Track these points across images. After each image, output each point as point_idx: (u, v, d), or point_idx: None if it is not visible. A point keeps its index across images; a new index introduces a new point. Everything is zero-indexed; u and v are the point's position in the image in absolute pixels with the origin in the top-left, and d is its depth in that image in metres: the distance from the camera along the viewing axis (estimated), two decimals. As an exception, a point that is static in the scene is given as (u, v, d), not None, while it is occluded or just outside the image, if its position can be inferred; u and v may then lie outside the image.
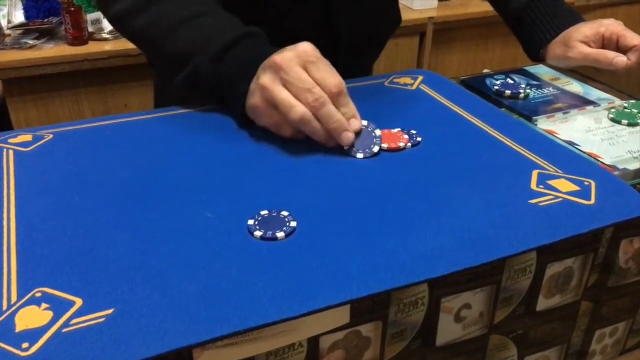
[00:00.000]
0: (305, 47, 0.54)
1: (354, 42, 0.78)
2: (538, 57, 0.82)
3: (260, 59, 0.56)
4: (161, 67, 0.66)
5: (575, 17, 0.79)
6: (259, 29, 0.61)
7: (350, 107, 0.54)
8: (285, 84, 0.53)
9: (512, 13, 0.84)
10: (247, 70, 0.57)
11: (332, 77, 0.53)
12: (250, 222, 0.44)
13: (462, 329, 0.48)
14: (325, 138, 0.53)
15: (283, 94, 0.52)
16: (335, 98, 0.53)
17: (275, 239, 0.42)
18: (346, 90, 0.54)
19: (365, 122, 0.55)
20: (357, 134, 0.54)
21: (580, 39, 0.75)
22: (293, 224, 0.44)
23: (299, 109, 0.52)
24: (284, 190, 0.48)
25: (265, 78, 0.54)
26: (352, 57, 0.80)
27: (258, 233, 0.42)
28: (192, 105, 0.64)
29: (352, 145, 0.53)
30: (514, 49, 2.20)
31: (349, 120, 0.53)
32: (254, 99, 0.55)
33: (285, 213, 0.44)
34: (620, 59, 0.72)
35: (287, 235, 0.43)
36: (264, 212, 0.45)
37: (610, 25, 0.76)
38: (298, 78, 0.52)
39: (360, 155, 0.53)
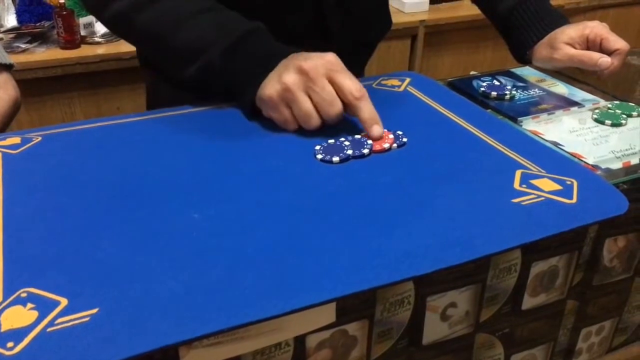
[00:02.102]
0: (331, 58, 0.57)
1: (345, 44, 0.79)
2: (524, 59, 0.83)
3: (277, 54, 0.59)
4: (165, 62, 0.67)
5: (561, 19, 0.80)
6: (263, 25, 0.63)
7: (371, 113, 0.57)
8: (309, 91, 0.56)
9: (499, 16, 0.84)
10: (265, 63, 0.59)
11: (354, 84, 0.56)
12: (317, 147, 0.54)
13: (448, 328, 0.49)
14: None
15: (307, 105, 0.56)
16: (356, 102, 0.56)
17: (331, 162, 0.52)
18: (367, 96, 0.57)
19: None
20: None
21: (566, 40, 0.76)
22: (349, 151, 0.53)
23: (315, 122, 0.57)
24: (271, 190, 0.48)
25: (289, 78, 0.56)
26: (344, 59, 0.80)
27: (319, 156, 0.53)
28: (181, 108, 0.64)
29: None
30: (505, 51, 2.20)
31: (371, 127, 0.56)
32: (271, 91, 0.58)
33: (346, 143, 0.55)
34: (605, 60, 0.72)
35: (341, 161, 0.52)
36: (331, 141, 0.55)
37: (595, 28, 0.76)
38: (322, 89, 0.56)
39: (336, 159, 0.53)
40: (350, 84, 0.56)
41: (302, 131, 0.58)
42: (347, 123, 0.59)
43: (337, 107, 0.56)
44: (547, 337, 0.57)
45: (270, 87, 0.58)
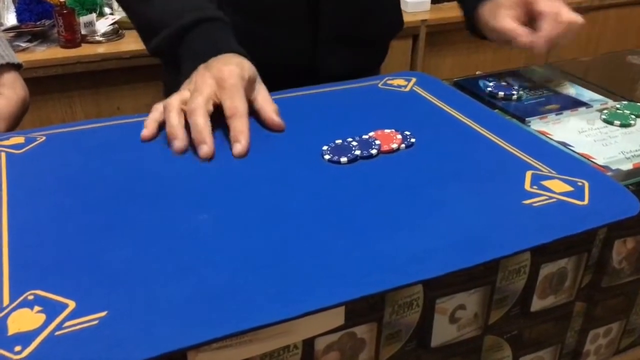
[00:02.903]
0: (224, 74, 0.57)
1: (337, 36, 0.79)
2: (476, 30, 0.76)
3: (208, 53, 0.60)
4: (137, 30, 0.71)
5: None
6: (220, 14, 0.65)
7: (238, 129, 0.55)
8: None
9: None
10: (195, 59, 0.61)
11: (231, 100, 0.56)
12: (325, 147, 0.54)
13: (457, 330, 0.48)
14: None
15: (172, 99, 0.57)
16: (229, 119, 0.55)
17: (339, 162, 0.52)
18: (242, 115, 0.55)
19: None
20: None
21: (506, 5, 0.68)
22: (357, 152, 0.53)
23: (172, 114, 0.56)
24: (279, 192, 0.48)
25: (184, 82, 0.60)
26: (339, 54, 0.80)
27: (327, 157, 0.53)
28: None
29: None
30: (507, 51, 2.21)
31: (234, 144, 0.54)
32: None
33: (353, 143, 0.55)
34: (521, 41, 0.65)
35: (349, 162, 0.52)
36: (339, 141, 0.55)
37: None
38: (197, 90, 0.56)
39: (344, 160, 0.53)
40: (227, 99, 0.56)
41: (309, 132, 0.58)
42: (353, 124, 0.59)
43: (194, 102, 0.55)
44: (555, 339, 0.56)
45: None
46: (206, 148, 0.52)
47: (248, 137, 0.54)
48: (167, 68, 0.69)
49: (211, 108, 0.56)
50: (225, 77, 0.57)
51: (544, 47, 0.65)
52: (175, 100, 0.57)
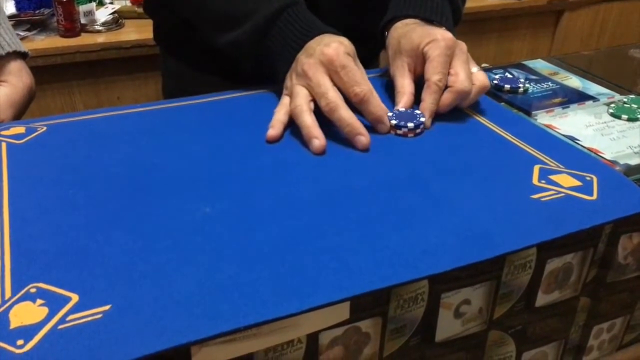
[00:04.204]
0: (332, 54, 0.55)
1: (336, 29, 0.78)
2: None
3: (301, 40, 0.59)
4: (203, 26, 0.68)
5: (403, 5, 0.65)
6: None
7: (375, 111, 0.55)
8: (308, 88, 0.56)
9: None
10: (288, 55, 0.59)
11: (354, 86, 0.54)
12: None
13: (461, 325, 0.48)
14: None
15: (297, 101, 0.56)
16: (359, 105, 0.55)
17: (406, 127, 0.54)
18: (372, 95, 0.55)
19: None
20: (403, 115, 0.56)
21: (406, 50, 0.61)
22: (422, 119, 0.55)
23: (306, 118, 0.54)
24: (284, 185, 0.47)
25: (293, 81, 0.57)
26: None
27: (394, 122, 0.54)
28: (189, 98, 0.63)
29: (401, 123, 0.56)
30: (508, 44, 2.20)
31: (377, 125, 0.55)
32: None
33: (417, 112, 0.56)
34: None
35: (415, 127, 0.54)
36: (402, 109, 0.57)
37: (432, 49, 0.58)
38: (317, 84, 0.55)
39: (411, 125, 0.55)
40: (350, 85, 0.55)
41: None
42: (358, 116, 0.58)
43: (330, 99, 0.54)
44: (559, 335, 0.56)
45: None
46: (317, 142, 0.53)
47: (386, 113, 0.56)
48: (246, 63, 0.65)
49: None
50: (334, 58, 0.55)
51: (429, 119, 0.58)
52: (301, 100, 0.55)
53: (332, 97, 0.54)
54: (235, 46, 0.63)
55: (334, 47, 0.55)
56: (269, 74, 0.63)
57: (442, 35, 0.58)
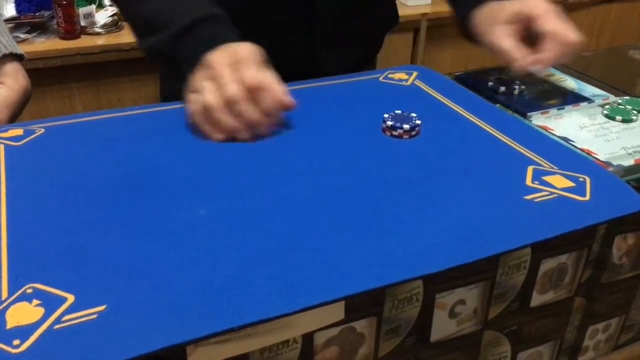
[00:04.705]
0: (237, 48, 0.57)
1: (334, 31, 0.78)
2: (471, 38, 0.73)
3: (209, 47, 0.59)
4: (131, 27, 0.70)
5: None
6: (220, 12, 0.63)
7: (265, 104, 0.55)
8: (210, 80, 0.56)
9: None
10: (195, 58, 0.59)
11: (252, 73, 0.55)
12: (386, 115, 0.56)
13: (456, 325, 0.48)
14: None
15: (200, 85, 0.56)
16: (253, 92, 0.55)
17: (401, 127, 0.55)
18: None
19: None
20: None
21: (504, 19, 0.65)
22: (418, 121, 0.56)
23: (208, 100, 0.55)
24: (279, 186, 0.48)
25: (196, 75, 0.57)
26: (337, 48, 0.80)
27: (390, 123, 0.55)
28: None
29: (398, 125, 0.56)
30: (508, 45, 2.19)
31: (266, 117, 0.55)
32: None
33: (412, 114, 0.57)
34: (518, 65, 0.62)
35: (411, 129, 0.55)
36: (398, 111, 0.58)
37: (532, 3, 0.64)
38: (220, 75, 0.55)
39: (406, 127, 0.55)
40: (246, 73, 0.55)
41: (310, 126, 0.57)
42: (354, 117, 0.58)
43: (229, 91, 0.55)
44: (554, 335, 0.56)
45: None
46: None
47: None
48: (164, 68, 0.67)
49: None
50: (241, 53, 0.56)
51: (544, 69, 0.64)
52: (210, 97, 0.55)
53: (232, 89, 0.55)
54: (153, 52, 0.65)
55: (244, 46, 0.57)
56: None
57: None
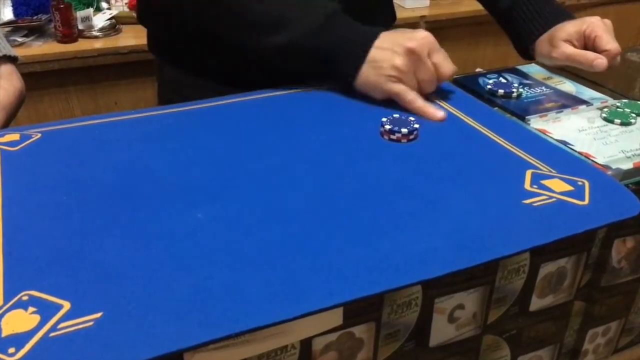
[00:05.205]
0: (427, 35, 0.61)
1: None
2: (527, 54, 0.82)
3: (368, 35, 0.63)
4: (245, 31, 0.67)
5: (561, 15, 0.79)
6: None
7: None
8: (417, 71, 0.61)
9: (501, 11, 0.84)
10: (359, 42, 0.63)
11: (449, 65, 0.62)
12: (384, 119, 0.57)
13: (455, 330, 0.48)
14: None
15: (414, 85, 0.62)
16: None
17: (400, 132, 0.55)
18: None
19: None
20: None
21: (564, 37, 0.75)
22: (416, 125, 0.56)
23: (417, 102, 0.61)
24: (276, 191, 0.47)
25: (399, 61, 0.61)
26: None
27: (388, 127, 0.55)
28: (184, 104, 0.63)
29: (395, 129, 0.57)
30: (505, 48, 2.19)
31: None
32: (373, 76, 0.62)
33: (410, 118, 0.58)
34: (600, 62, 0.71)
35: (409, 133, 0.55)
36: (396, 115, 0.58)
37: (593, 24, 0.75)
38: (428, 70, 0.61)
39: (405, 131, 0.56)
40: (444, 64, 0.62)
41: (307, 129, 0.57)
42: (352, 119, 0.58)
43: (435, 85, 0.62)
44: (554, 339, 0.56)
45: (371, 72, 0.62)
46: None
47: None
48: (293, 65, 0.67)
49: None
50: (429, 38, 0.61)
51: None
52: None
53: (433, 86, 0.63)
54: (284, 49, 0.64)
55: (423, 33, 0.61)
56: (323, 73, 0.65)
57: (590, 18, 0.76)
